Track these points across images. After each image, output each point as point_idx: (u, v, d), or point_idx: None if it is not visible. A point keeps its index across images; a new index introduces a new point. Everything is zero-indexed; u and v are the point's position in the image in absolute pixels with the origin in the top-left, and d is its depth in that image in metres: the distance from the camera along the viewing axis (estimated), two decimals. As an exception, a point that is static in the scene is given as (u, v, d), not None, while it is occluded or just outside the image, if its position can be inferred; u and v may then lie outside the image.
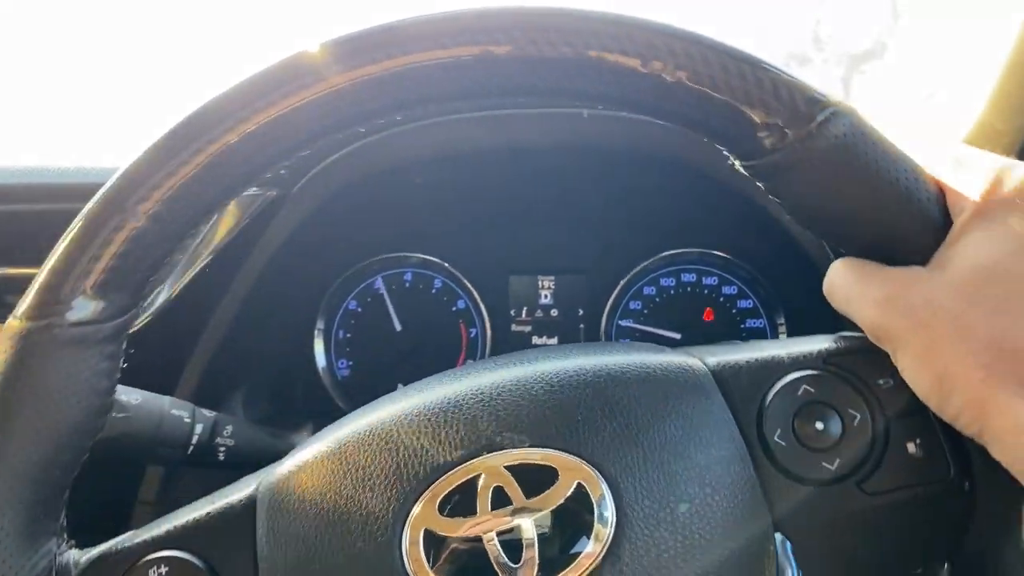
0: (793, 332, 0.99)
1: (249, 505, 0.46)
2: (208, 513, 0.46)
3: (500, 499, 0.41)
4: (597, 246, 1.04)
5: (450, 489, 0.42)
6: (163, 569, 0.44)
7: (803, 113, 0.40)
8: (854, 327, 0.45)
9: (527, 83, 0.41)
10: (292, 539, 0.43)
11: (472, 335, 1.05)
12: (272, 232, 0.88)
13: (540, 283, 1.06)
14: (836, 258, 0.46)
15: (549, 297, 1.06)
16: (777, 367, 0.46)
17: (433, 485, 0.42)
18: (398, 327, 1.05)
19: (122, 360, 0.46)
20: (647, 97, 0.41)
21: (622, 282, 1.03)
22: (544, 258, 1.06)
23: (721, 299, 1.02)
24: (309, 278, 1.01)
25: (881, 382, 0.44)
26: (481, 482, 0.42)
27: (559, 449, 0.43)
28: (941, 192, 0.42)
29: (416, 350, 1.05)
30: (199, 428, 0.70)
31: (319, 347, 1.03)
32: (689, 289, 1.02)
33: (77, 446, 0.44)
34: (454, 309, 1.05)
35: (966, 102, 1.16)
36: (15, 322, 0.42)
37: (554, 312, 1.05)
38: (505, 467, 0.42)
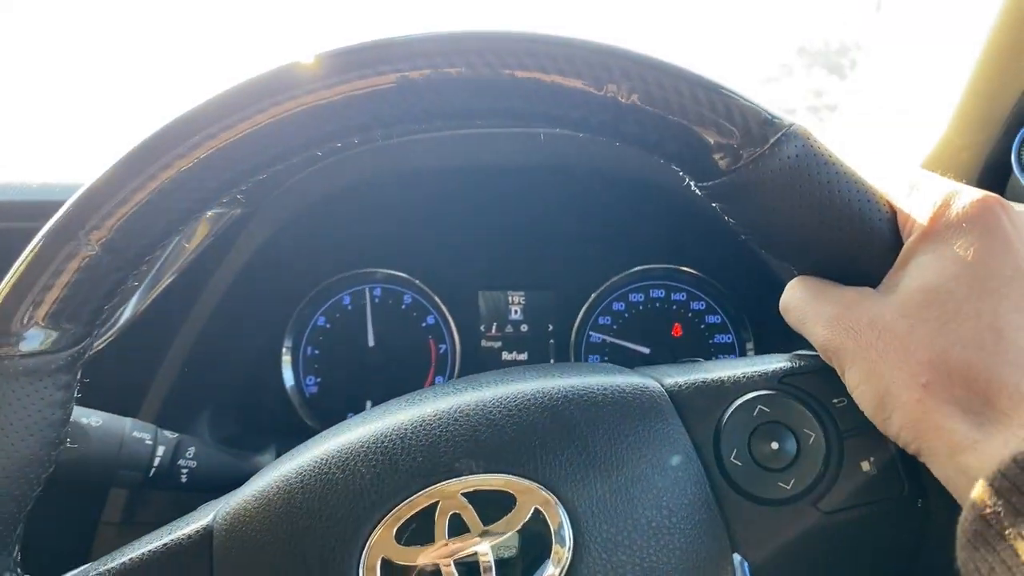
0: (761, 347, 0.99)
1: (206, 536, 0.45)
2: (164, 544, 0.46)
3: (458, 526, 0.41)
4: (567, 262, 1.04)
5: (407, 517, 0.42)
6: None
7: (756, 134, 0.40)
8: (811, 345, 0.45)
9: (485, 106, 0.41)
10: (249, 571, 0.43)
11: (442, 351, 1.05)
12: (238, 249, 0.87)
13: (510, 298, 1.06)
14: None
15: (519, 312, 1.06)
16: (733, 387, 0.46)
17: (390, 513, 0.42)
18: (372, 342, 1.04)
19: (76, 390, 0.45)
20: (603, 119, 0.41)
21: (592, 297, 1.03)
22: (514, 273, 1.06)
23: (690, 315, 1.02)
24: (277, 295, 1.00)
25: (835, 401, 0.44)
26: (439, 509, 0.42)
27: (517, 475, 0.43)
28: (893, 214, 0.42)
29: (385, 366, 1.04)
30: (161, 450, 0.69)
31: (287, 364, 1.03)
32: (658, 305, 1.03)
33: (31, 478, 0.44)
34: (424, 325, 1.05)
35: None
36: None
37: (524, 327, 1.05)
38: (462, 494, 0.42)
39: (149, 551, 0.46)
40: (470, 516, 0.42)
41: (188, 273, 0.83)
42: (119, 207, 0.40)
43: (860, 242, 0.42)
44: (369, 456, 0.45)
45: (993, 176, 1.11)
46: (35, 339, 0.41)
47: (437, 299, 1.04)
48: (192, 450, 0.71)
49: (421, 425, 0.45)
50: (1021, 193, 1.06)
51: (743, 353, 1.00)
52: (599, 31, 0.42)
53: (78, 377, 0.45)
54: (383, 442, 0.45)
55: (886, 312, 0.39)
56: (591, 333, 1.03)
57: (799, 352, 0.48)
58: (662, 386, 0.47)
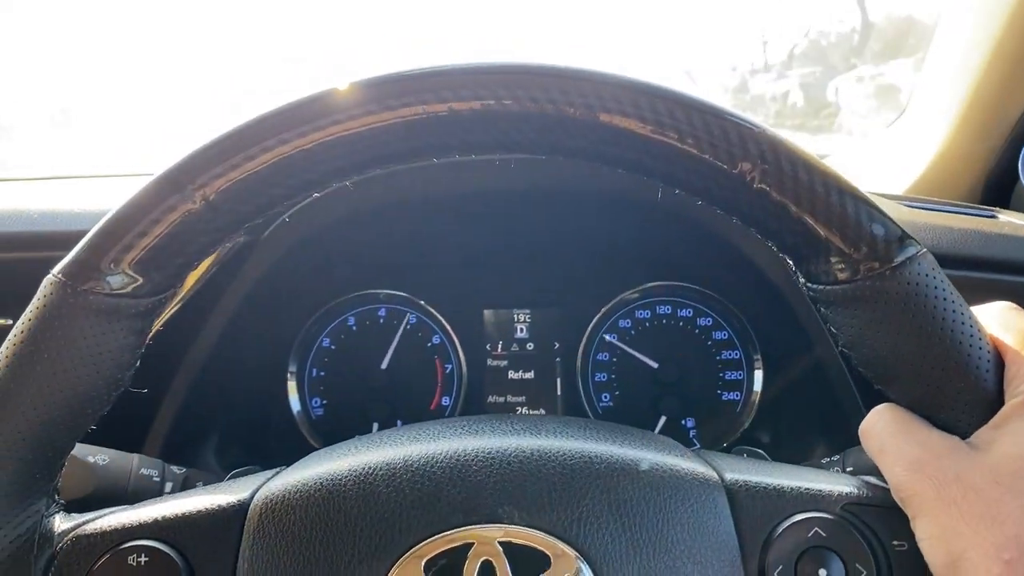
0: (768, 363, 0.99)
1: (241, 512, 0.46)
2: (199, 511, 0.46)
3: (488, 572, 0.41)
4: (572, 279, 1.04)
5: (440, 551, 0.42)
6: (143, 559, 0.45)
7: (882, 251, 0.39)
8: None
9: (616, 154, 0.41)
10: (274, 562, 0.44)
11: (448, 371, 1.04)
12: (243, 277, 0.87)
13: (515, 317, 1.05)
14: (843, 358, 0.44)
15: (525, 331, 1.05)
16: (793, 500, 0.45)
17: (424, 543, 0.42)
18: (384, 364, 1.03)
19: (148, 339, 0.46)
20: (726, 195, 0.40)
21: (598, 315, 1.02)
22: (519, 292, 1.05)
23: (696, 331, 1.02)
24: (281, 320, 0.99)
25: (896, 543, 0.43)
26: (472, 552, 0.42)
27: (556, 536, 0.42)
28: (1001, 364, 0.40)
29: (391, 386, 1.03)
30: (168, 487, 0.68)
31: (292, 389, 1.02)
32: (665, 321, 1.02)
33: (87, 415, 0.45)
34: (429, 345, 1.04)
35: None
36: (53, 278, 0.43)
37: (530, 346, 1.05)
38: (499, 542, 0.42)
39: (183, 513, 0.46)
40: (502, 567, 0.41)
41: (191, 303, 0.82)
42: (231, 170, 0.41)
43: (961, 387, 0.40)
44: (417, 477, 0.44)
45: (997, 186, 1.11)
46: (122, 280, 0.42)
47: (442, 319, 1.03)
48: (200, 484, 0.70)
49: (474, 460, 0.45)
50: (1027, 203, 1.06)
51: (751, 368, 1.00)
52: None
53: (151, 327, 0.46)
54: (432, 468, 0.45)
55: (977, 471, 0.37)
56: (597, 353, 1.03)
57: (867, 479, 0.46)
58: (722, 481, 0.46)
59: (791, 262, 0.43)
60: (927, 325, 0.39)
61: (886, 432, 0.42)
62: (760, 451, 0.61)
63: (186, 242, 0.43)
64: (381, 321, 1.05)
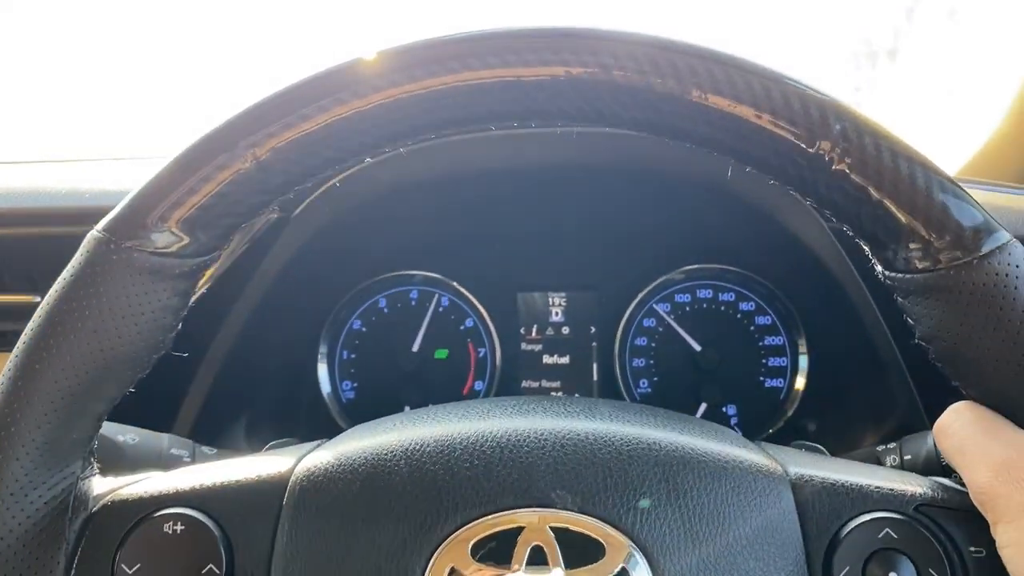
0: (813, 350, 0.95)
1: (281, 484, 0.44)
2: (238, 481, 0.45)
3: (537, 558, 0.40)
4: (609, 261, 1.01)
5: (488, 533, 0.40)
6: (178, 527, 0.43)
7: (968, 240, 0.37)
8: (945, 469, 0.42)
9: (686, 128, 0.39)
10: (314, 537, 0.42)
11: (481, 355, 1.02)
12: (274, 255, 0.85)
13: (551, 300, 1.03)
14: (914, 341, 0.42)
15: (560, 314, 1.02)
16: (863, 499, 0.42)
17: (472, 524, 0.41)
18: (416, 347, 1.01)
19: (191, 300, 0.45)
20: (802, 175, 0.38)
21: (636, 299, 0.99)
22: (554, 274, 1.02)
23: (738, 316, 0.98)
24: (311, 301, 0.98)
25: (973, 550, 0.40)
26: (522, 536, 0.40)
27: (612, 525, 0.40)
28: None
29: (423, 370, 1.01)
30: (200, 468, 0.66)
31: (323, 371, 1.00)
32: (705, 306, 0.99)
33: (126, 377, 0.43)
34: (461, 328, 1.02)
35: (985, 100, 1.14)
36: (96, 234, 0.41)
37: (565, 330, 1.02)
38: (551, 527, 0.40)
39: (221, 483, 0.45)
40: (553, 553, 0.39)
41: (222, 281, 0.81)
42: (285, 130, 0.39)
43: None
44: (466, 456, 0.43)
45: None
46: (167, 239, 0.41)
47: (475, 301, 1.01)
48: (231, 465, 0.69)
49: (522, 440, 0.43)
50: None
51: (795, 354, 0.97)
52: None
53: (195, 288, 0.44)
54: (483, 447, 0.43)
55: None
56: (635, 338, 1.00)
57: (943, 481, 0.44)
58: (786, 474, 0.44)
59: (867, 250, 0.41)
60: (1015, 319, 0.36)
61: (966, 431, 0.40)
62: (819, 446, 0.59)
63: (235, 202, 0.41)
64: (413, 303, 1.02)
